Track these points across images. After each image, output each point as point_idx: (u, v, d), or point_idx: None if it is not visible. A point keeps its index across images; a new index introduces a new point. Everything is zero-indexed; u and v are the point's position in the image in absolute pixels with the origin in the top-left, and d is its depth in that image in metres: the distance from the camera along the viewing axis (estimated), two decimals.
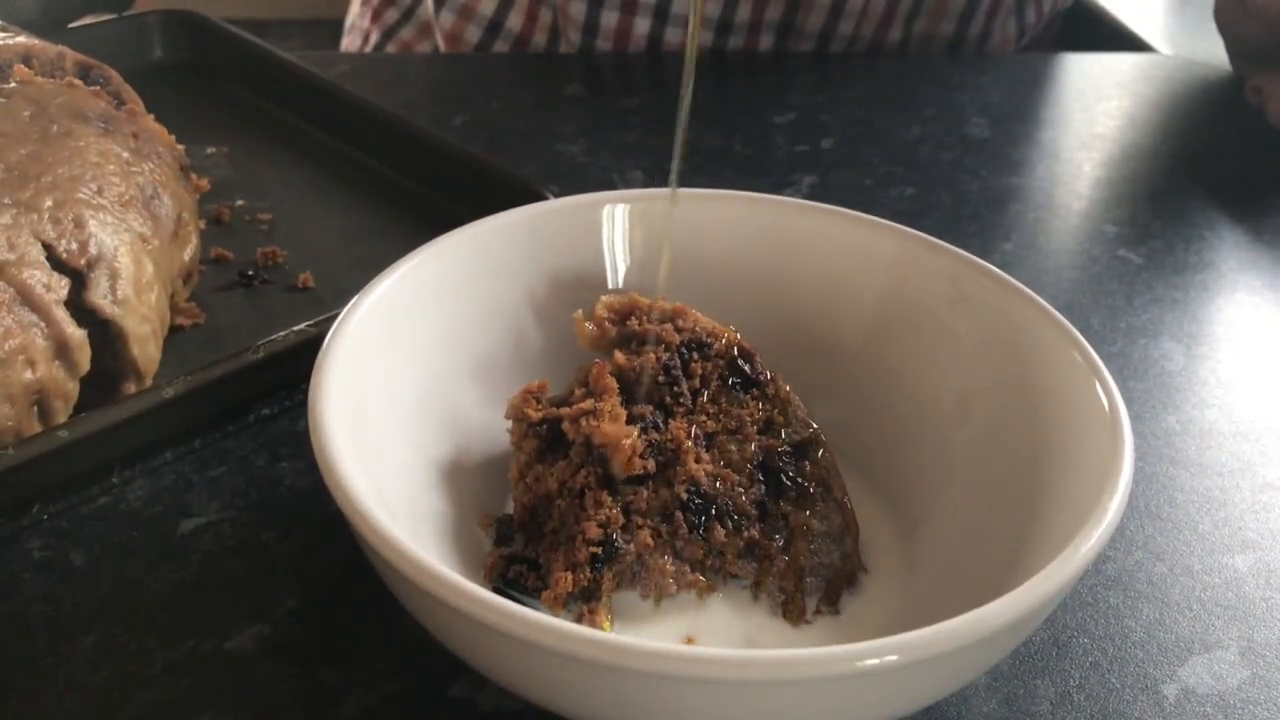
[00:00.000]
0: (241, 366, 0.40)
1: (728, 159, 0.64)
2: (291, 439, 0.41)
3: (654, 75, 0.75)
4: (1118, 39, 0.90)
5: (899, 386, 0.38)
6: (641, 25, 0.77)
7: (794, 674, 0.24)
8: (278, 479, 0.40)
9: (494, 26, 0.82)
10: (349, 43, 0.91)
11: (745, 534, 0.33)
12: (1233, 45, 0.76)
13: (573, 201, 0.41)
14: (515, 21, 0.81)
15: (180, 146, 0.50)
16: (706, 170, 0.63)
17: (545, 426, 0.35)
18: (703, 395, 0.36)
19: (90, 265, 0.40)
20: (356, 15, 0.91)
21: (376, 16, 0.89)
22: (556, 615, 0.31)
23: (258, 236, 0.52)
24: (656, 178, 0.61)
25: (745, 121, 0.69)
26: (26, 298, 0.38)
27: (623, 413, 0.34)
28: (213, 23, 0.67)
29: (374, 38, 0.89)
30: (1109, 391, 0.32)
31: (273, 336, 0.41)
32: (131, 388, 0.41)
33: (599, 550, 0.32)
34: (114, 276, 0.40)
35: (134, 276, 0.41)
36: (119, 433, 0.38)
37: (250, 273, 0.49)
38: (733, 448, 0.35)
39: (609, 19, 0.77)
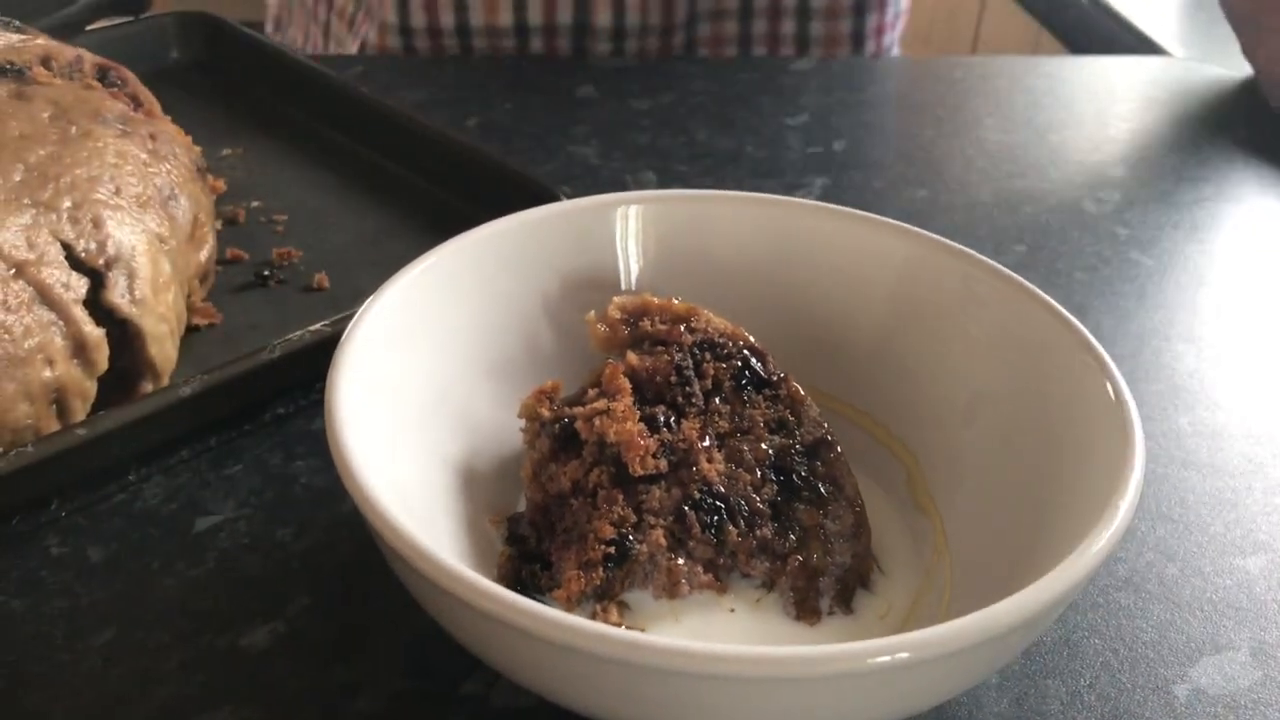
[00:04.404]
0: (257, 366, 0.41)
1: (740, 161, 0.64)
2: (307, 438, 0.42)
3: (667, 78, 0.75)
4: (1131, 41, 0.89)
5: (911, 387, 0.39)
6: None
7: (806, 671, 0.24)
8: (293, 477, 0.40)
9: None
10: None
11: (758, 533, 0.33)
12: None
13: (585, 203, 0.41)
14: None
15: (197, 148, 0.50)
16: (718, 172, 0.63)
17: (558, 426, 0.35)
18: (715, 396, 0.36)
19: (108, 265, 0.40)
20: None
21: None
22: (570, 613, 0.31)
23: (273, 237, 0.53)
24: (668, 179, 0.62)
25: (757, 124, 0.69)
26: (45, 297, 0.38)
27: (636, 413, 0.34)
28: (228, 25, 0.68)
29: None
30: (1120, 393, 0.32)
31: (288, 336, 0.42)
32: (148, 387, 0.41)
33: (611, 550, 0.32)
34: (132, 276, 0.41)
35: (151, 276, 0.41)
36: (136, 431, 0.38)
37: (266, 273, 0.50)
38: (745, 448, 0.35)
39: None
